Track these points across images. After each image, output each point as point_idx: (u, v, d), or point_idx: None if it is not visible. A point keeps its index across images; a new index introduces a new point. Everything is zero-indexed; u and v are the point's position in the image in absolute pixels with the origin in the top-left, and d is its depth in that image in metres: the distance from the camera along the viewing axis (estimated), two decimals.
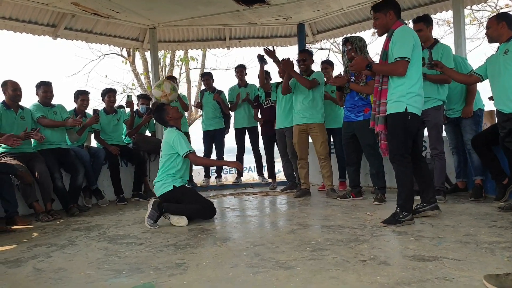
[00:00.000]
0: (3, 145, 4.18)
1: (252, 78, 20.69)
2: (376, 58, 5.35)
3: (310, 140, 5.04)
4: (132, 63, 13.18)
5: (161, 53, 11.48)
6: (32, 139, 4.51)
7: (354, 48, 4.18)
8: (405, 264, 2.12)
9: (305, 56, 4.99)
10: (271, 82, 5.61)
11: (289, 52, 47.50)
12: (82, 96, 5.23)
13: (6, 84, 4.33)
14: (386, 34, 3.20)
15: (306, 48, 5.37)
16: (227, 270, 2.17)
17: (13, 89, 4.32)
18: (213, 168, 6.62)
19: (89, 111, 5.45)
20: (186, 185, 3.85)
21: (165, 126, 3.90)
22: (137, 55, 13.18)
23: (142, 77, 13.34)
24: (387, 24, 3.14)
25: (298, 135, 4.92)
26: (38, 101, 4.70)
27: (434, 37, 4.12)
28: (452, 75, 3.73)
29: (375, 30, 3.28)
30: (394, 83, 3.07)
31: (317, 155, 4.93)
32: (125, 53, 13.08)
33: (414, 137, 3.18)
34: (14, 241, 3.24)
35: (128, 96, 5.75)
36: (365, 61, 3.19)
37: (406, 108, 3.00)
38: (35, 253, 2.80)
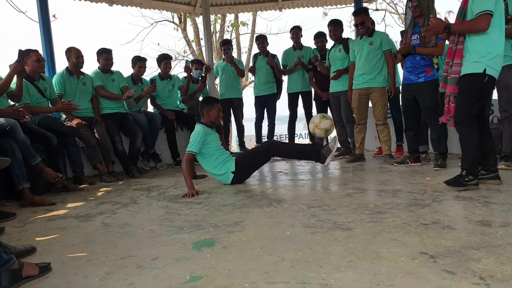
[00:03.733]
0: None
1: (308, 40, 19.82)
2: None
3: (370, 104, 4.86)
4: (184, 30, 13.27)
5: (211, 19, 11.44)
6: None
7: (421, 5, 3.88)
8: (472, 229, 2.01)
9: (363, 18, 4.65)
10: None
11: (343, 13, 44.85)
12: (140, 63, 5.36)
13: (70, 51, 4.55)
14: None
15: (361, 7, 5.02)
16: (285, 229, 2.18)
17: (77, 56, 4.54)
18: (264, 133, 6.61)
19: (146, 77, 5.61)
20: (234, 159, 3.76)
21: (199, 117, 3.77)
22: (188, 21, 13.24)
23: (193, 44, 13.45)
24: None
25: (358, 99, 4.76)
26: (98, 67, 4.89)
27: None
28: None
29: None
30: (472, 41, 2.83)
31: (375, 119, 4.76)
32: (176, 20, 13.18)
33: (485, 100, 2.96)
34: (82, 199, 3.48)
35: (186, 61, 5.85)
36: (443, 23, 2.93)
37: (485, 70, 2.78)
38: (101, 210, 2.98)
